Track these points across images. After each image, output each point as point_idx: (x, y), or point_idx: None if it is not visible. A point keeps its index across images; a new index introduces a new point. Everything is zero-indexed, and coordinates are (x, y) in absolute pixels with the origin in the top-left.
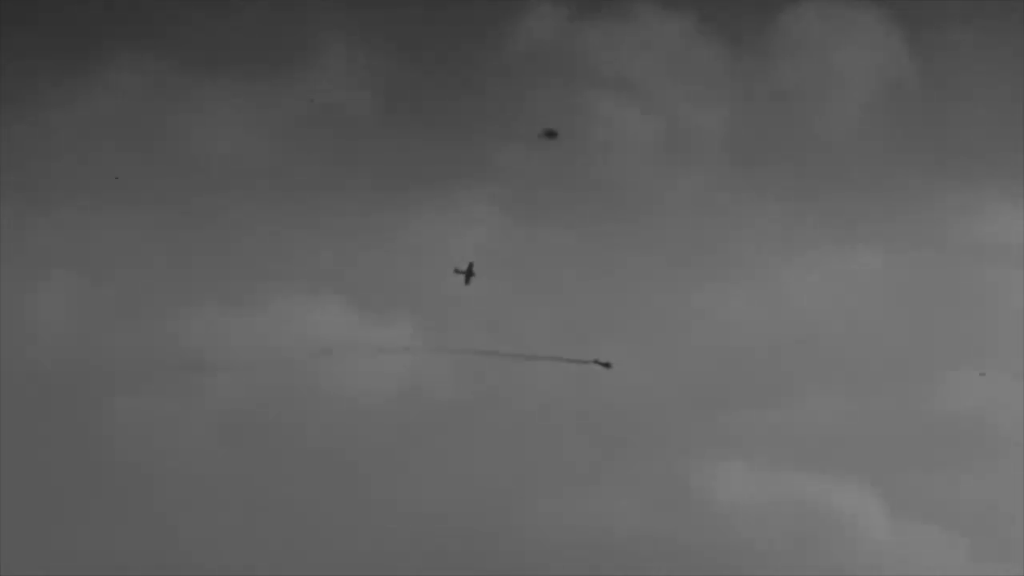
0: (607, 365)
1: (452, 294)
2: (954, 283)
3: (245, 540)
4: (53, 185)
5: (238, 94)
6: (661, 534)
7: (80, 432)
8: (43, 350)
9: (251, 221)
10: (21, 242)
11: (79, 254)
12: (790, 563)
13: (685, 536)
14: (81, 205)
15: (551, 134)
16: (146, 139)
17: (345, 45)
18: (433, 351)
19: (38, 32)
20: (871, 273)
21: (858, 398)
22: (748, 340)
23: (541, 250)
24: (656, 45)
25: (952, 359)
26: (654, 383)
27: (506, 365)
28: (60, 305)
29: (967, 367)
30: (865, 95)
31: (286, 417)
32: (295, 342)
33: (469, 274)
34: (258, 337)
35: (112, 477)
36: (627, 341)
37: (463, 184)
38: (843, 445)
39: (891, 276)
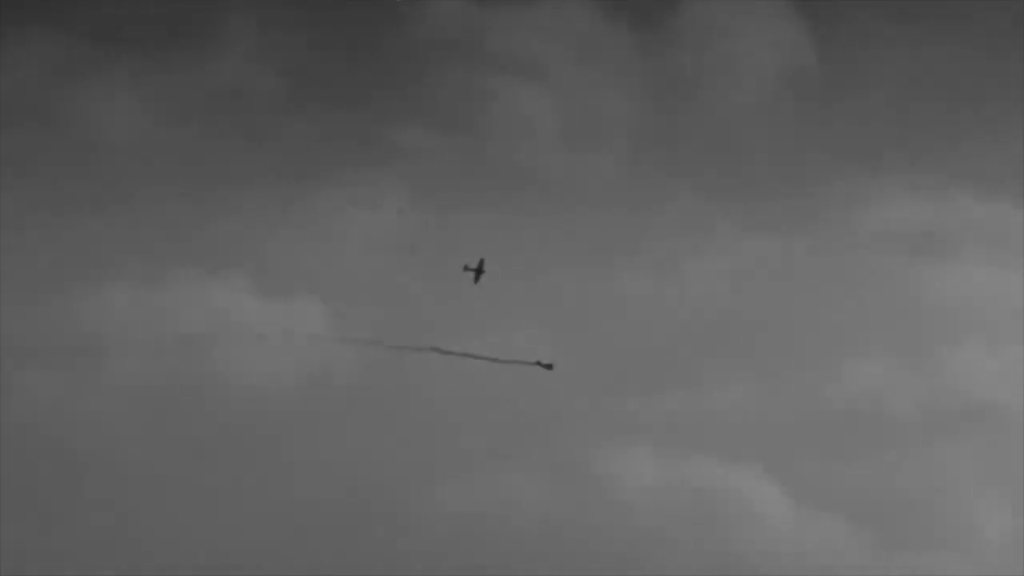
0: (549, 367)
1: (358, 277)
2: (854, 271)
3: (142, 520)
4: None
5: (145, 74)
6: (565, 518)
7: None
8: None
9: (156, 201)
10: None
11: None
12: (692, 548)
13: (588, 520)
14: None
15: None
16: (51, 118)
17: (253, 27)
18: (378, 345)
19: None
20: (773, 261)
21: (761, 385)
22: (653, 326)
23: (447, 233)
24: (562, 31)
25: (852, 347)
26: (560, 368)
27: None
28: None
29: (866, 355)
30: (767, 83)
31: (187, 398)
32: (198, 323)
33: (479, 271)
34: (161, 317)
35: (7, 456)
36: (534, 326)
37: (369, 167)
38: (746, 432)
39: (792, 264)
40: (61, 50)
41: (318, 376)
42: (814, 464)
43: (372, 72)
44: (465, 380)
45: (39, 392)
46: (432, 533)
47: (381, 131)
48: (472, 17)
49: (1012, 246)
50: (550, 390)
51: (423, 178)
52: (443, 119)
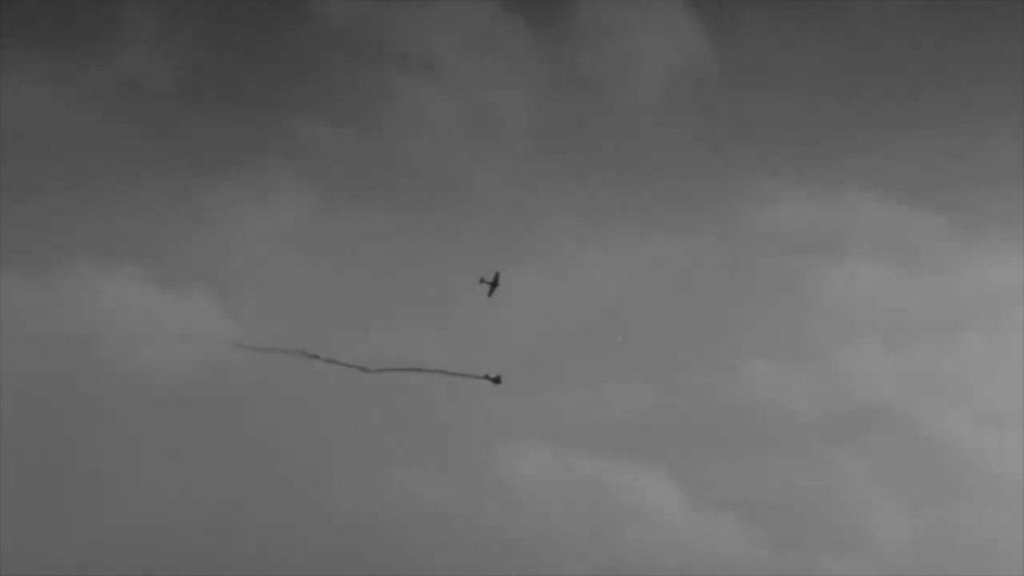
0: (497, 380)
1: (254, 270)
2: (751, 271)
3: (27, 515)
4: None
5: (39, 65)
6: (461, 516)
7: None
8: None
9: (51, 193)
10: None
11: None
12: (587, 546)
13: (484, 518)
14: None
15: (493, 284)
16: None
17: (150, 19)
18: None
19: None
20: (671, 260)
21: (658, 384)
22: (550, 324)
23: (345, 229)
24: (461, 27)
25: (748, 347)
26: (460, 364)
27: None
28: None
29: (763, 355)
30: (664, 82)
31: (75, 392)
32: (90, 315)
33: (494, 285)
34: (54, 308)
35: None
36: (432, 322)
37: (267, 160)
38: (643, 431)
39: (690, 263)
40: None
41: (211, 372)
42: (710, 463)
43: (270, 65)
44: (361, 376)
45: None
46: (326, 531)
47: (278, 125)
48: (370, 11)
49: (907, 246)
50: (452, 385)
51: (320, 172)
52: (341, 113)
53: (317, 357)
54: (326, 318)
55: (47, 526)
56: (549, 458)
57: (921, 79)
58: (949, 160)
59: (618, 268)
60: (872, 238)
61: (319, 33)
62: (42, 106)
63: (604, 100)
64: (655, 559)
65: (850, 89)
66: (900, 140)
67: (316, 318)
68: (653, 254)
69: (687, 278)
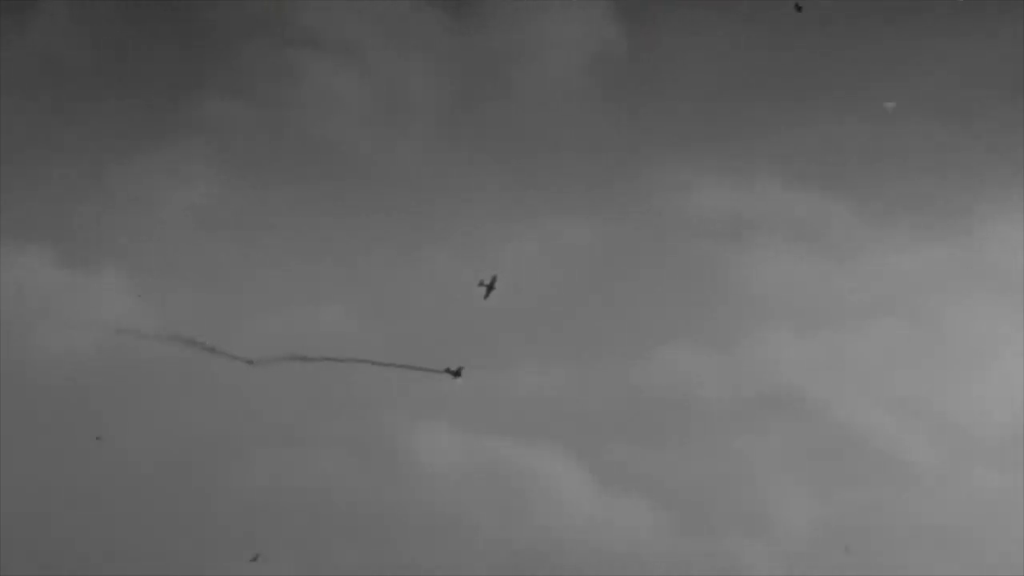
0: (457, 374)
1: (165, 249)
2: (664, 257)
3: None
4: None
5: None
6: (370, 497)
7: None
8: None
9: None
10: None
11: None
12: (497, 529)
13: (393, 499)
14: None
15: (490, 287)
16: None
17: None
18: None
19: None
20: (585, 245)
21: (570, 369)
22: (461, 305)
23: (257, 208)
24: (372, 8)
25: (661, 333)
26: (369, 344)
27: (224, 321)
28: None
29: (675, 341)
30: (577, 68)
31: None
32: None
33: (491, 288)
34: None
35: None
36: (343, 302)
37: (178, 139)
38: (554, 414)
39: (605, 248)
40: None
41: (122, 351)
42: (620, 448)
43: (184, 44)
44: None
45: None
46: (235, 510)
47: (190, 104)
48: None
49: (820, 234)
50: (357, 368)
51: (232, 152)
52: (253, 93)
53: (202, 345)
54: (236, 298)
55: None
56: (460, 441)
57: (831, 65)
58: (860, 147)
59: (532, 251)
60: (784, 224)
61: (231, 12)
62: None
63: (516, 83)
64: (565, 542)
65: (761, 75)
66: (811, 127)
67: (227, 298)
68: (567, 238)
69: (600, 262)
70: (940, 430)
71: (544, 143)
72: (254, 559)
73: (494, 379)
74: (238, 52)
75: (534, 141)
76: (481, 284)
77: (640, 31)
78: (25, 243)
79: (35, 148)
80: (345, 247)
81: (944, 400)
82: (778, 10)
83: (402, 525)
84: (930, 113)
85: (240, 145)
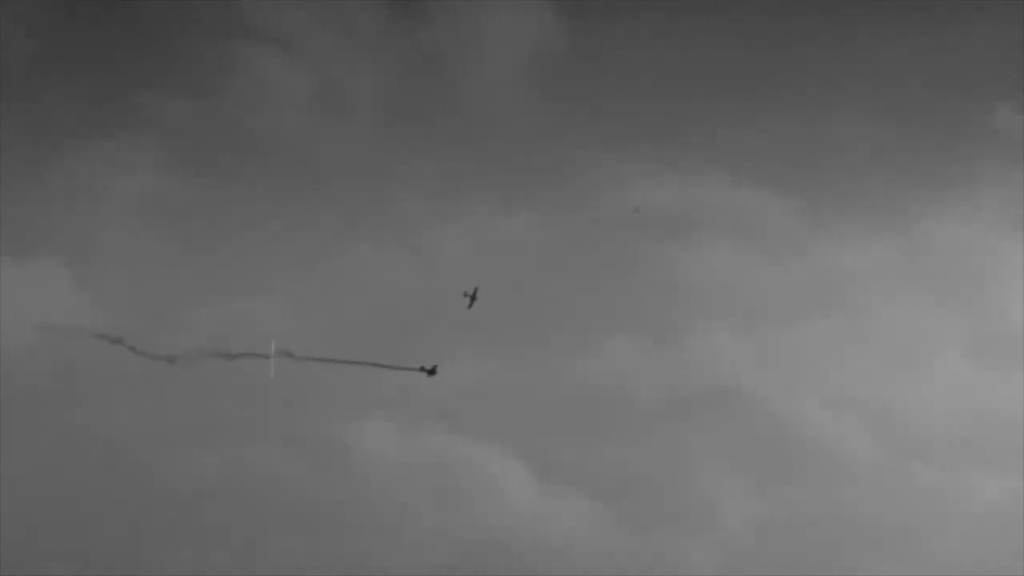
0: (432, 372)
1: (105, 241)
2: (606, 252)
3: None
4: None
5: None
6: (310, 490)
7: None
8: None
9: None
10: None
11: None
12: (436, 522)
13: (333, 492)
14: None
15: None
16: None
17: None
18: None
19: None
20: (527, 239)
21: (509, 362)
22: (401, 301)
23: (197, 200)
24: (310, 2)
25: (602, 327)
26: (309, 338)
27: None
28: None
29: (616, 336)
30: (517, 62)
31: None
32: None
33: (473, 298)
34: None
35: None
36: (283, 295)
37: (118, 131)
38: (493, 408)
39: (547, 243)
40: None
41: (60, 344)
42: (560, 442)
43: (123, 36)
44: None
45: None
46: (177, 504)
47: (129, 96)
48: None
49: (762, 231)
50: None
51: (171, 144)
52: (191, 86)
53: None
54: (174, 289)
55: None
56: (398, 434)
57: (774, 66)
58: (803, 146)
59: (471, 246)
60: (727, 222)
61: (173, 8)
62: None
63: (455, 78)
64: (504, 535)
65: (705, 74)
66: (755, 126)
67: (165, 289)
68: (509, 232)
69: (542, 257)
70: (879, 427)
71: (484, 138)
72: None
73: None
74: (179, 46)
75: (474, 136)
76: (465, 295)
77: (581, 29)
78: None
79: None
80: (285, 239)
81: (883, 397)
82: (721, 10)
83: (343, 518)
84: (872, 113)
85: (181, 138)
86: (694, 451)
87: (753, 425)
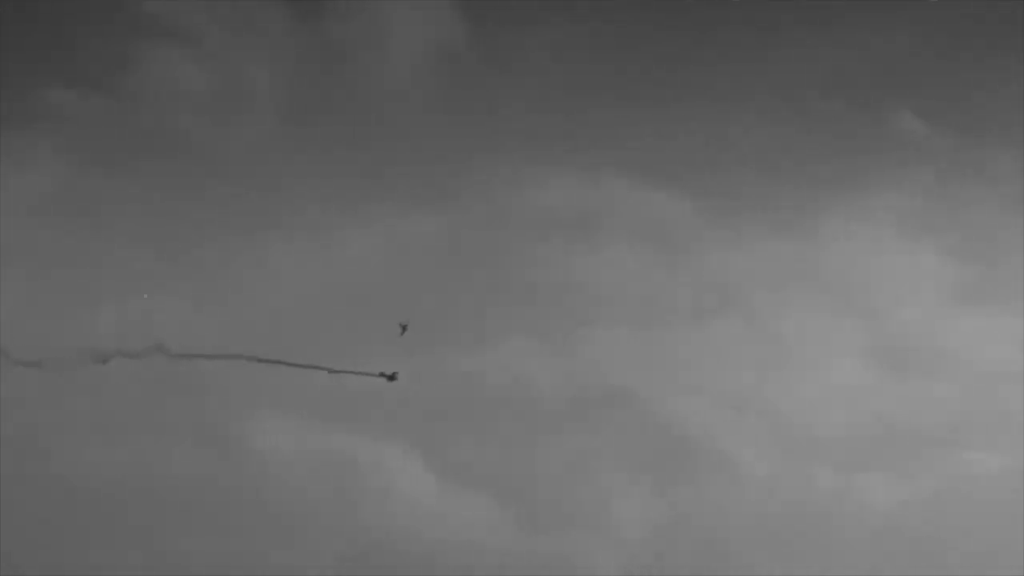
0: (392, 377)
1: (9, 241)
2: (506, 252)
3: None
4: None
5: None
6: (210, 486)
7: None
8: None
9: None
10: None
11: None
12: (339, 520)
13: (233, 489)
14: None
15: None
16: None
17: None
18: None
19: None
20: (428, 238)
21: (409, 362)
22: (302, 300)
23: (99, 197)
24: None
25: (503, 329)
26: (207, 332)
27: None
28: None
29: (515, 337)
30: (418, 59)
31: None
32: None
33: (405, 328)
34: None
35: None
36: (181, 291)
37: (19, 128)
38: (393, 407)
39: (448, 242)
40: None
41: None
42: (460, 442)
43: (23, 31)
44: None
45: None
46: (77, 496)
47: (29, 91)
48: None
49: (661, 232)
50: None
51: (72, 140)
52: (91, 82)
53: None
54: (76, 286)
55: None
56: (300, 432)
57: (676, 66)
58: (702, 147)
59: (373, 245)
60: (626, 222)
61: (74, 1)
62: None
63: (358, 76)
64: (403, 535)
65: (606, 75)
66: (655, 126)
67: (66, 287)
68: (409, 231)
69: (443, 256)
70: (775, 430)
71: (388, 136)
72: None
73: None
74: (81, 42)
75: (377, 134)
76: (400, 324)
77: (483, 27)
78: None
79: None
80: (188, 237)
81: (779, 400)
82: (623, 11)
83: (241, 516)
84: (770, 116)
85: (82, 134)
86: (592, 452)
87: (651, 427)
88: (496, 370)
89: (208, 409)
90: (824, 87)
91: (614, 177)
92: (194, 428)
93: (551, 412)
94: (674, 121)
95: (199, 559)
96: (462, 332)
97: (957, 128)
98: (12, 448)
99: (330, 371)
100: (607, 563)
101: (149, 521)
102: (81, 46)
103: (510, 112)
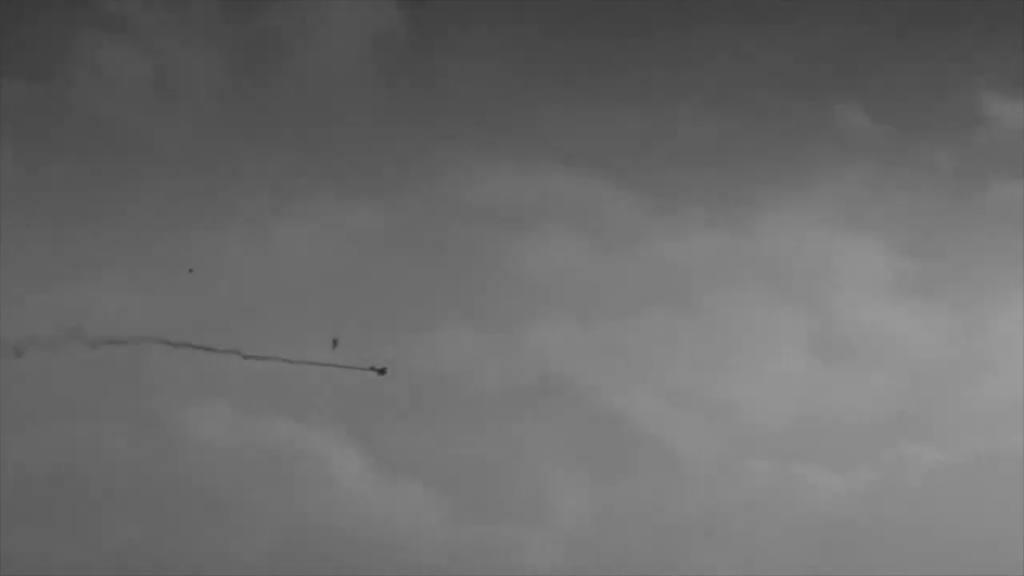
0: (383, 371)
1: None
2: (444, 242)
3: None
4: None
5: None
6: (143, 472)
7: None
8: None
9: None
10: None
11: None
12: (269, 508)
13: (166, 475)
14: None
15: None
16: None
17: None
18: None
19: None
20: (367, 228)
21: (347, 351)
22: (239, 289)
23: (33, 184)
24: None
25: (443, 318)
26: (141, 321)
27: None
28: None
29: (454, 326)
30: (356, 48)
31: None
32: None
33: (336, 343)
34: None
35: None
36: (119, 278)
37: None
38: (327, 396)
39: (388, 232)
40: None
41: None
42: (398, 431)
43: None
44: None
45: None
46: (11, 484)
47: None
48: None
49: (601, 223)
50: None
51: (10, 128)
52: (30, 68)
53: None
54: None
55: None
56: (237, 421)
57: (615, 57)
58: (641, 139)
59: (313, 233)
60: (566, 213)
61: None
62: None
63: (295, 63)
64: (339, 524)
65: (543, 64)
66: (594, 118)
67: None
68: (349, 220)
69: (382, 246)
70: (715, 421)
71: (327, 126)
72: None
73: (270, 360)
74: (18, 30)
75: (316, 123)
76: (332, 340)
77: (422, 17)
78: None
79: None
80: (124, 225)
81: (719, 391)
82: (565, 3)
83: (180, 503)
84: (711, 107)
85: (18, 122)
86: (531, 442)
87: (591, 417)
88: (436, 359)
89: (145, 398)
90: (768, 79)
91: (554, 166)
92: (132, 417)
93: (491, 402)
94: (617, 113)
95: (136, 547)
96: (401, 321)
97: (898, 122)
98: None
99: (322, 365)
100: (546, 551)
101: (85, 509)
102: (18, 35)
103: (450, 103)
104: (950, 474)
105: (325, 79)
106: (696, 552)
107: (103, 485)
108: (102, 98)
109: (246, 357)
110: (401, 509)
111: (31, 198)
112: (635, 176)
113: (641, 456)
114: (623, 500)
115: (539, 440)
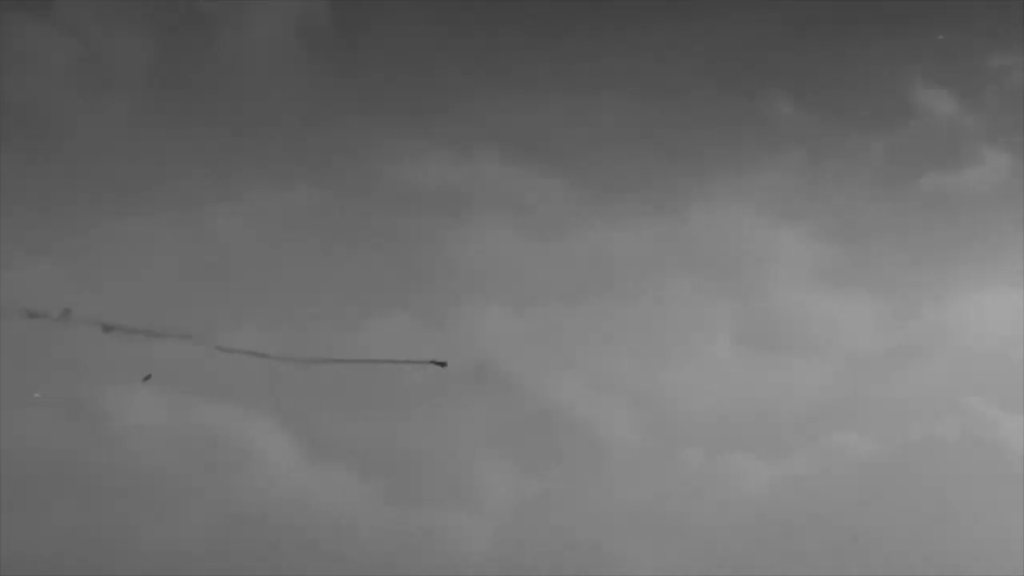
0: (443, 364)
1: None
2: (376, 228)
3: None
4: None
5: None
6: (72, 456)
7: None
8: None
9: None
10: None
11: None
12: (199, 492)
13: (95, 459)
14: None
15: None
16: None
17: None
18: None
19: None
20: (297, 214)
21: (278, 336)
22: (169, 272)
23: None
24: None
25: (374, 304)
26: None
27: None
28: None
29: (385, 313)
30: (281, 30)
31: None
32: None
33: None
34: None
35: None
36: (52, 264)
37: None
38: (258, 380)
39: (317, 218)
40: None
41: None
42: (329, 417)
43: None
44: None
45: None
46: None
47: None
48: None
49: (534, 210)
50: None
51: None
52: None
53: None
54: None
55: None
56: (169, 406)
57: (542, 42)
58: (574, 125)
59: (246, 220)
60: (499, 200)
61: None
62: None
63: (225, 45)
64: (270, 509)
65: (471, 51)
66: (528, 103)
67: None
68: (278, 206)
69: (312, 231)
70: (645, 410)
71: (253, 109)
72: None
73: (195, 343)
74: None
75: (243, 107)
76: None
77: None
78: None
79: None
80: (49, 210)
81: (649, 380)
82: None
83: (111, 489)
84: (643, 95)
85: None
86: (462, 429)
87: (521, 404)
88: (366, 346)
89: (73, 382)
90: (700, 66)
91: (484, 152)
92: (60, 401)
93: (420, 388)
94: (547, 99)
95: (65, 534)
96: (331, 307)
97: (827, 110)
98: None
99: (372, 362)
100: (476, 538)
101: (11, 495)
102: None
103: (376, 87)
104: (883, 462)
105: (256, 64)
106: (624, 539)
107: (31, 472)
108: (25, 83)
109: (223, 350)
110: (333, 494)
111: None
112: (567, 163)
113: (571, 443)
114: (553, 486)
115: (471, 427)
